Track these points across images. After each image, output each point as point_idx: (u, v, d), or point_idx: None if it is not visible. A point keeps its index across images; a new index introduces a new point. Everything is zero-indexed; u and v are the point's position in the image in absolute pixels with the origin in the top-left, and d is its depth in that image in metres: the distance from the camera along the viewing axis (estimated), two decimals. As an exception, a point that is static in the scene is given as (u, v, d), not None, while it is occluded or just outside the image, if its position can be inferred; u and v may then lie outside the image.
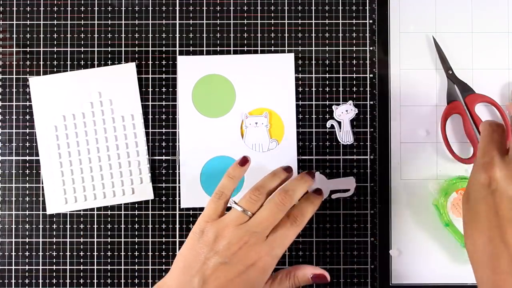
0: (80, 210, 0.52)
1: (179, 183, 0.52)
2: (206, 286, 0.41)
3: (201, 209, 0.52)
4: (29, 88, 0.52)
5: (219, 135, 0.52)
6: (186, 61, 0.52)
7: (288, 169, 0.47)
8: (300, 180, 0.46)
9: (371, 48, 0.53)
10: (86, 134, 0.51)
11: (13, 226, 0.52)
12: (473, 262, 0.38)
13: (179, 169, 0.52)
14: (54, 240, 0.52)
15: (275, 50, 0.53)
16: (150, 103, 0.52)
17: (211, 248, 0.42)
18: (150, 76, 0.52)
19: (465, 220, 0.39)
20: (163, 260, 0.52)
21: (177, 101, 0.53)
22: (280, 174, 0.46)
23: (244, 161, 0.46)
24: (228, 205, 0.45)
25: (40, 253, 0.52)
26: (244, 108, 0.52)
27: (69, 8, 0.53)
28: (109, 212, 0.52)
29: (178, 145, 0.52)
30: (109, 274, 0.52)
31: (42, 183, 0.52)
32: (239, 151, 0.52)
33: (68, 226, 0.52)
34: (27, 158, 0.52)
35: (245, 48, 0.53)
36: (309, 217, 0.45)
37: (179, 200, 0.52)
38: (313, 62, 0.53)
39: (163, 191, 0.52)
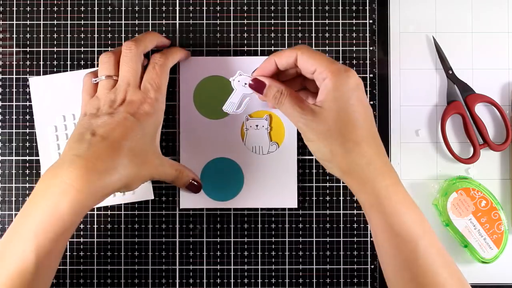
0: (80, 210, 0.52)
1: (179, 183, 0.52)
2: (95, 136, 0.42)
3: (201, 209, 0.52)
4: (29, 88, 0.52)
5: (220, 137, 0.52)
6: (188, 62, 0.53)
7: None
8: (152, 33, 0.50)
9: (371, 48, 0.53)
10: (86, 134, 0.52)
11: (13, 226, 0.52)
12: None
13: (179, 169, 0.52)
14: (54, 240, 0.52)
15: (275, 50, 0.53)
16: (150, 103, 0.53)
17: (95, 115, 0.44)
18: (150, 76, 0.53)
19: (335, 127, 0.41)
20: (163, 260, 0.52)
21: (177, 101, 0.53)
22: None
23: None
24: (95, 81, 0.47)
25: (40, 253, 0.52)
26: (245, 111, 0.52)
27: (69, 8, 0.53)
28: (109, 212, 0.52)
29: (178, 145, 0.53)
30: (109, 274, 0.52)
31: (42, 183, 0.52)
32: (239, 153, 0.52)
33: (68, 226, 0.52)
34: (27, 158, 0.52)
35: (245, 48, 0.53)
36: (171, 59, 0.49)
37: (179, 200, 0.52)
38: (313, 62, 0.53)
39: (163, 191, 0.52)
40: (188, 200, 0.52)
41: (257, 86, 0.45)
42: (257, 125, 0.52)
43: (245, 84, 0.46)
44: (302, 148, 0.53)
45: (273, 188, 0.52)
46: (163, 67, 0.47)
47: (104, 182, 0.41)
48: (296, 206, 0.52)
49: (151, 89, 0.46)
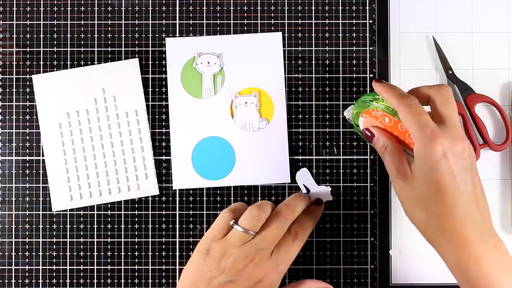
0: (80, 210, 0.54)
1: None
2: None
3: (195, 191, 0.55)
4: (29, 88, 0.55)
5: (209, 116, 0.55)
6: (175, 43, 0.55)
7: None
8: (299, 196, 0.50)
9: (371, 48, 0.56)
10: (90, 130, 0.54)
11: (13, 226, 0.54)
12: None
13: (179, 169, 0.55)
14: (54, 240, 0.54)
15: (275, 50, 0.56)
16: (150, 103, 0.55)
17: (217, 266, 0.45)
18: (150, 76, 0.55)
19: (420, 195, 0.42)
20: (163, 260, 0.55)
21: (167, 81, 0.55)
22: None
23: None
24: (232, 225, 0.47)
25: (40, 253, 0.54)
26: (233, 88, 0.55)
27: (69, 8, 0.56)
28: (109, 212, 0.55)
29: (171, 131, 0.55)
30: (109, 274, 0.54)
31: (43, 183, 0.54)
32: (229, 131, 0.55)
33: (68, 226, 0.55)
34: (27, 158, 0.55)
35: (245, 48, 0.56)
36: (310, 231, 0.49)
37: (180, 200, 0.55)
38: (313, 62, 0.56)
39: (163, 191, 0.55)
40: (180, 181, 0.55)
41: (368, 136, 0.48)
42: (246, 102, 0.55)
43: (209, 62, 0.48)
44: (302, 148, 0.55)
45: (265, 164, 0.54)
46: (302, 241, 0.48)
47: None
48: (289, 181, 0.55)
49: (283, 262, 0.46)
